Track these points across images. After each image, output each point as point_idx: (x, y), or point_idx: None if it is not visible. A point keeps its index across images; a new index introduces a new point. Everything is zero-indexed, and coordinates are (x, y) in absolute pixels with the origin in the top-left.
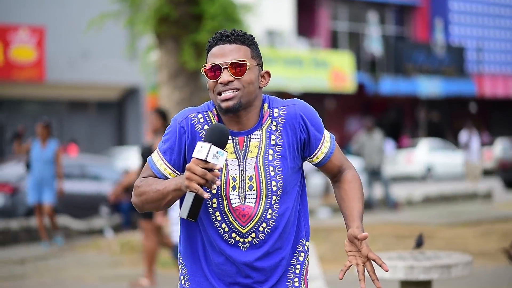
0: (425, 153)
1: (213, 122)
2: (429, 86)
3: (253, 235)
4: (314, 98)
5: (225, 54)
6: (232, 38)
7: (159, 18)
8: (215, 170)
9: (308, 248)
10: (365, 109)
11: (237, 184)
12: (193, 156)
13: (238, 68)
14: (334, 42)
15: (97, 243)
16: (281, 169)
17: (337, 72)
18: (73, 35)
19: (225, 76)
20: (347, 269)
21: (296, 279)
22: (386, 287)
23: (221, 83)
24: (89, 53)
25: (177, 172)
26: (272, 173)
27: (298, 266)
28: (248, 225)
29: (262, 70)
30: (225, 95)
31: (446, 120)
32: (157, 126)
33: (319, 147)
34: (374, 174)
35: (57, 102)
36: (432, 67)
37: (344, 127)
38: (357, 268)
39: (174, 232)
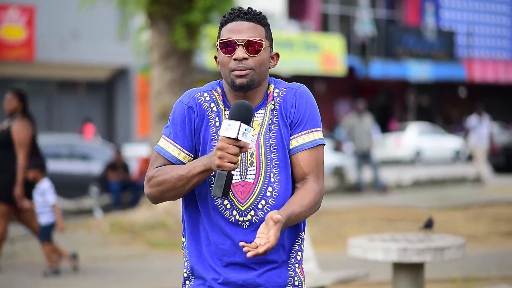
0: (414, 137)
1: (219, 101)
2: (419, 70)
3: (252, 212)
4: (304, 80)
5: (242, 31)
6: (249, 16)
7: None
8: (245, 147)
9: (304, 236)
10: (355, 92)
11: (239, 160)
12: (221, 134)
13: (253, 46)
14: (324, 25)
15: (86, 223)
16: (276, 147)
17: (328, 55)
18: (63, 14)
19: (240, 52)
20: (248, 247)
21: (297, 265)
22: (379, 269)
23: (235, 59)
24: (79, 33)
25: (191, 154)
26: (272, 149)
27: (299, 253)
28: (246, 202)
29: (272, 51)
30: (241, 72)
31: (435, 104)
32: (13, 107)
33: (296, 134)
34: (364, 157)
35: (47, 82)
36: (422, 51)
37: (334, 110)
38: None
39: (39, 215)
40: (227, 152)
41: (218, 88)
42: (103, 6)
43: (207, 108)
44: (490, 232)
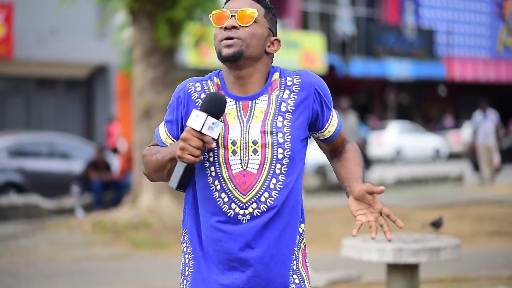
0: (394, 136)
1: (212, 91)
2: (399, 69)
3: (254, 205)
4: None
5: (239, 3)
6: None
7: None
8: (209, 143)
9: (303, 230)
10: (335, 91)
11: (237, 148)
12: (187, 124)
13: (245, 17)
14: (305, 23)
15: (68, 223)
16: (290, 136)
17: (308, 53)
18: (42, 11)
19: (231, 21)
20: (359, 227)
21: (295, 262)
22: (373, 269)
23: (225, 28)
24: (58, 31)
25: (175, 141)
26: (281, 140)
27: (298, 248)
28: (249, 194)
29: (274, 36)
30: (227, 41)
31: (415, 102)
32: None
33: (329, 120)
34: None
35: (25, 79)
36: (402, 50)
37: None
38: (369, 224)
39: None
40: (189, 144)
41: (215, 78)
42: (83, 3)
43: (196, 99)
44: (475, 232)
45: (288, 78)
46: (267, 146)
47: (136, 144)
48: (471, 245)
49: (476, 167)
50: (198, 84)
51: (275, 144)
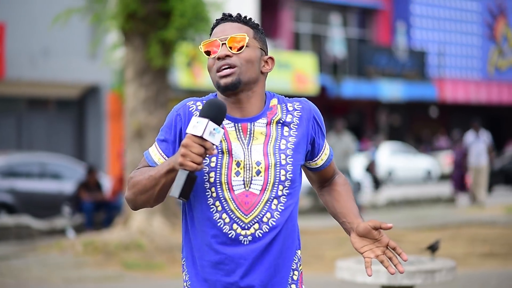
0: (386, 157)
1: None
2: (391, 90)
3: (256, 226)
4: None
5: (226, 30)
6: (235, 18)
7: (126, 14)
8: (211, 149)
9: (300, 257)
10: (327, 111)
11: (241, 169)
12: (187, 131)
13: (236, 43)
14: (296, 44)
15: (59, 244)
16: (292, 159)
17: (300, 74)
18: (34, 32)
19: (223, 50)
20: (370, 264)
21: (293, 286)
22: None
23: (218, 58)
24: (50, 51)
25: None
26: (283, 162)
27: (296, 272)
28: (251, 214)
29: (266, 55)
30: (224, 72)
31: (406, 124)
32: None
33: (323, 149)
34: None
35: (17, 100)
36: (394, 71)
37: None
38: (379, 259)
39: None
40: (191, 151)
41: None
42: (74, 24)
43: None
44: (468, 253)
45: (289, 104)
46: (270, 167)
47: (128, 165)
48: (464, 267)
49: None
50: (199, 103)
51: (278, 165)
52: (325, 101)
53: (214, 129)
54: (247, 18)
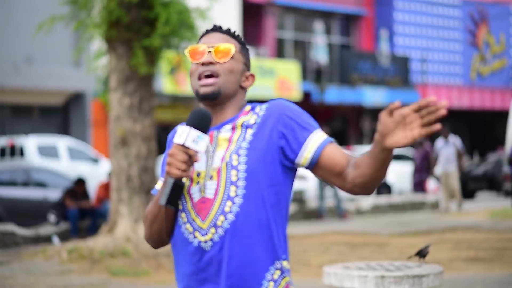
0: None
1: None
2: (374, 96)
3: (213, 230)
4: None
5: (213, 40)
6: (224, 30)
7: (110, 22)
8: (195, 156)
9: (287, 269)
10: None
11: (201, 179)
12: (173, 141)
13: (222, 53)
14: (280, 51)
15: (45, 251)
16: (246, 158)
17: (283, 80)
18: (18, 39)
19: (208, 57)
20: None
21: None
22: None
23: (202, 64)
24: (33, 58)
25: None
26: (235, 162)
27: (271, 284)
28: (207, 219)
29: (248, 72)
30: (205, 81)
31: None
32: None
33: (308, 141)
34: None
35: (0, 107)
36: (377, 77)
37: None
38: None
39: None
40: (175, 159)
41: None
42: (58, 32)
43: None
44: (453, 258)
45: (257, 107)
46: (221, 170)
47: (112, 172)
48: (450, 272)
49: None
50: None
51: (229, 167)
52: (309, 107)
53: (197, 136)
54: (236, 33)
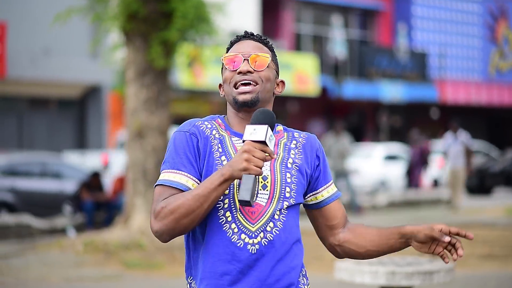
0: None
1: (219, 129)
2: (392, 91)
3: (262, 234)
4: (277, 100)
5: (249, 47)
6: (257, 37)
7: (127, 15)
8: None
9: (306, 276)
10: (328, 112)
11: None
12: (246, 139)
13: (259, 61)
14: (298, 45)
15: (60, 243)
16: (297, 179)
17: (301, 74)
18: (35, 31)
19: (245, 66)
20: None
21: None
22: None
23: (239, 73)
24: (51, 50)
25: (198, 182)
26: (289, 180)
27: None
28: (258, 223)
29: (278, 78)
30: (243, 88)
31: (407, 125)
32: None
33: (327, 185)
34: (340, 177)
35: (18, 99)
36: (394, 72)
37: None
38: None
39: None
40: (253, 155)
41: (218, 119)
42: (75, 24)
43: (210, 134)
44: (468, 255)
45: (295, 133)
46: (276, 182)
47: (128, 164)
48: (464, 268)
49: (470, 189)
50: (207, 123)
51: (284, 181)
52: (326, 102)
53: (271, 135)
54: (266, 39)
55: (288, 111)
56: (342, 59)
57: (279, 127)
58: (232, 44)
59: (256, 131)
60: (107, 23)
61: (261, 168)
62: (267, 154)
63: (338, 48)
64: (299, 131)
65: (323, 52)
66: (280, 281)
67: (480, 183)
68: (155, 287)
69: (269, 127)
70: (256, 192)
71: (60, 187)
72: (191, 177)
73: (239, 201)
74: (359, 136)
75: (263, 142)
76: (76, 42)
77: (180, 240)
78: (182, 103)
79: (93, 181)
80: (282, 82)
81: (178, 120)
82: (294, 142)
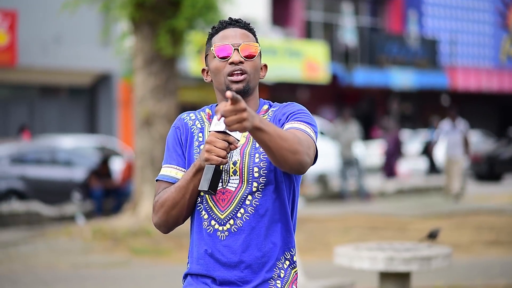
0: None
1: (204, 119)
2: (402, 78)
3: (231, 221)
4: (287, 88)
5: (236, 36)
6: (241, 24)
7: (135, 3)
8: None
9: (294, 261)
10: (338, 100)
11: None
12: (210, 130)
13: (249, 51)
14: (308, 32)
15: (68, 230)
16: (266, 163)
17: (311, 62)
18: (46, 19)
19: (237, 56)
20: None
21: (278, 283)
22: (365, 278)
23: (232, 63)
24: (62, 38)
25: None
26: (257, 160)
27: (282, 271)
28: (226, 210)
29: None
30: (237, 77)
31: (417, 112)
32: None
33: (292, 122)
34: (348, 164)
35: (29, 87)
36: (405, 59)
37: (318, 118)
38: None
39: None
40: (215, 146)
41: (208, 109)
42: (86, 11)
43: (192, 125)
44: (474, 241)
45: (273, 108)
46: (243, 165)
47: (137, 152)
48: (469, 254)
49: (479, 177)
50: (192, 115)
51: (251, 163)
52: (337, 90)
53: None
54: (249, 25)
55: (299, 98)
56: (352, 47)
57: (265, 107)
58: (217, 30)
59: (219, 122)
60: (116, 11)
61: (224, 158)
62: (231, 143)
63: (348, 35)
64: (282, 104)
65: (334, 39)
66: (252, 265)
67: (490, 170)
68: (162, 274)
69: None
70: (220, 180)
71: (69, 175)
72: (180, 168)
73: (199, 191)
74: (369, 123)
75: (225, 132)
76: (87, 30)
77: (187, 227)
78: (192, 90)
79: (102, 169)
80: (265, 66)
81: (188, 107)
82: (267, 117)
